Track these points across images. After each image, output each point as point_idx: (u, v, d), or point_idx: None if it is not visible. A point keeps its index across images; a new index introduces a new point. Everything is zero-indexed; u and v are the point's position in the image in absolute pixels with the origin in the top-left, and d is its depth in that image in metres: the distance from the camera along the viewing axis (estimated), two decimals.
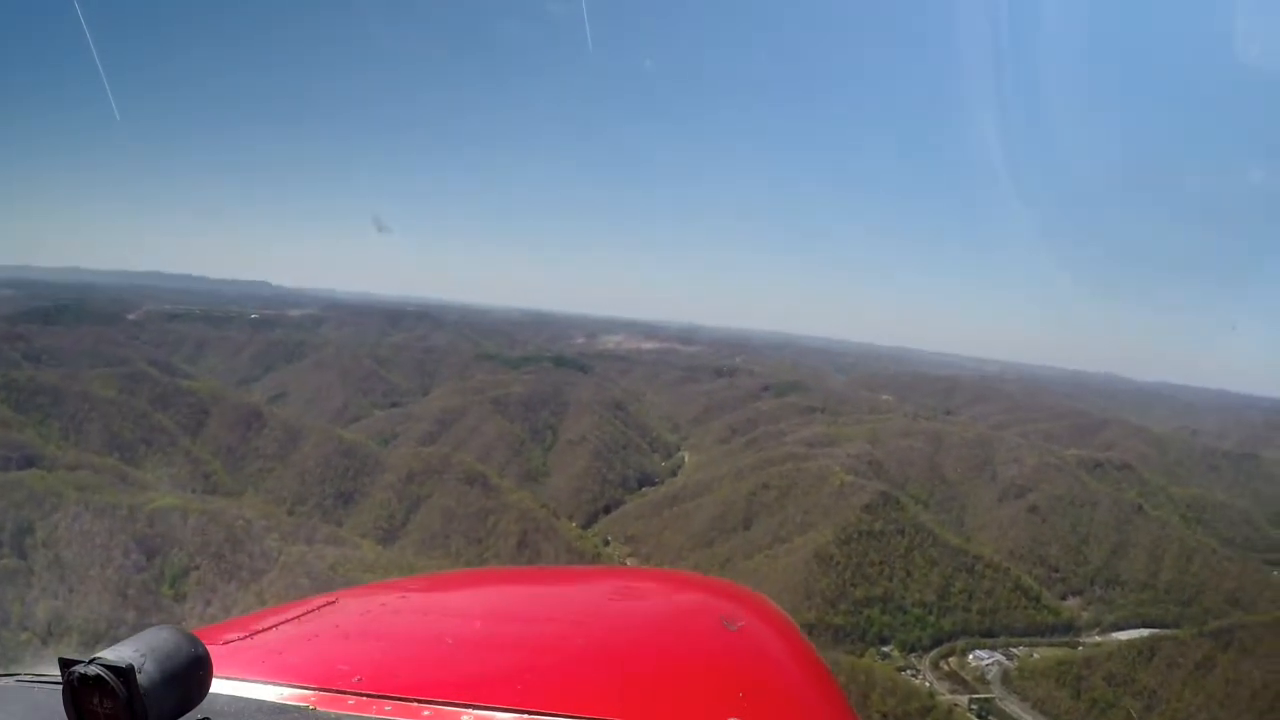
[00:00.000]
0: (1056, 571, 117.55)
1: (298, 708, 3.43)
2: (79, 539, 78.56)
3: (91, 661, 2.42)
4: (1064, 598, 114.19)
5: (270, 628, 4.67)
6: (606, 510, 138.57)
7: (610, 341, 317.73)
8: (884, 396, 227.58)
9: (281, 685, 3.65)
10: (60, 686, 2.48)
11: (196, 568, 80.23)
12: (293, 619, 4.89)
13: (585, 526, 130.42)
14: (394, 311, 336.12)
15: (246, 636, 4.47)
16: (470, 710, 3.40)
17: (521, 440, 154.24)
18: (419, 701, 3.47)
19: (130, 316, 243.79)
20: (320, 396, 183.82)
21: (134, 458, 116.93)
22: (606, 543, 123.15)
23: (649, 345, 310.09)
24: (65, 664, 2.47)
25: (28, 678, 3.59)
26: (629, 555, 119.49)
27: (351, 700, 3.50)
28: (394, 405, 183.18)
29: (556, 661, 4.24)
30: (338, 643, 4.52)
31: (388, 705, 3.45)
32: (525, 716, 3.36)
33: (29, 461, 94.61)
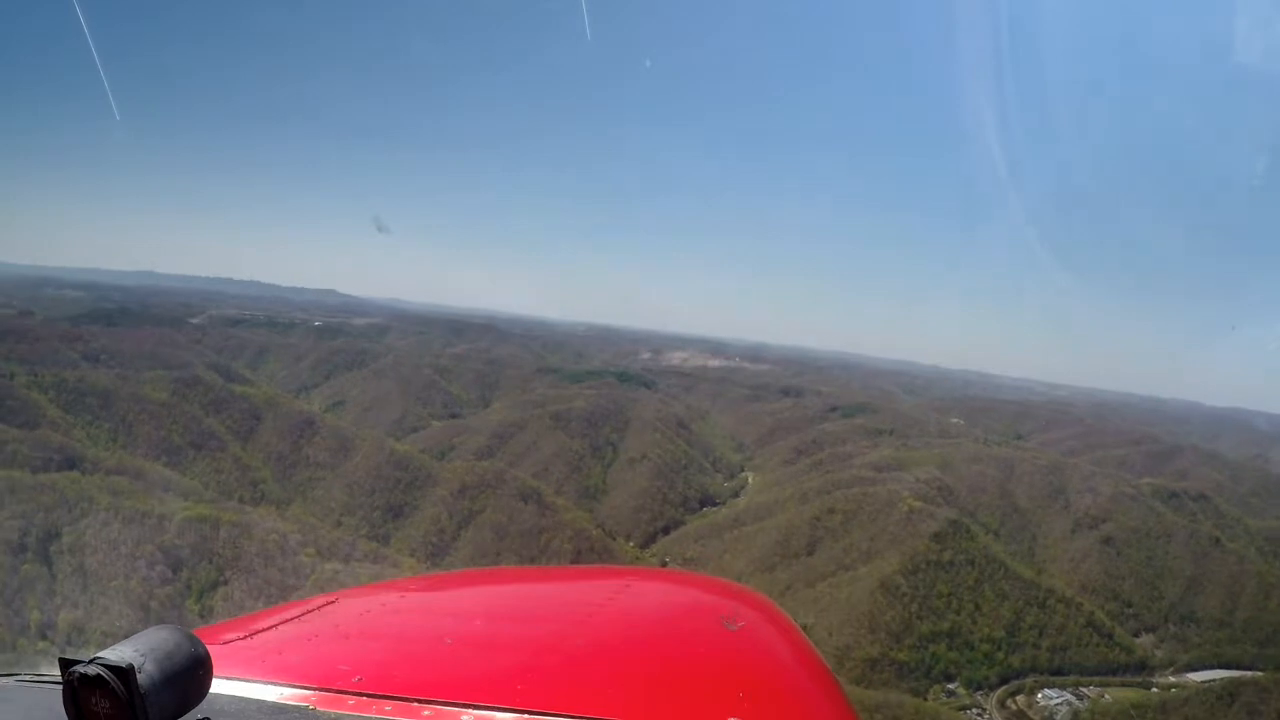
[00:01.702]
0: (1130, 607, 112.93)
1: (298, 708, 3.51)
2: (105, 547, 76.89)
3: (91, 661, 2.46)
4: (1137, 635, 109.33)
5: (270, 628, 4.74)
6: (666, 531, 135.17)
7: (676, 358, 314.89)
8: (954, 420, 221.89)
9: (281, 685, 3.73)
10: (60, 686, 2.51)
11: (225, 582, 78.37)
12: (293, 619, 4.98)
13: (643, 547, 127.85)
14: (459, 323, 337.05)
15: (246, 636, 4.54)
16: (470, 710, 3.49)
17: (581, 456, 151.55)
18: (419, 701, 3.54)
19: (194, 321, 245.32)
20: (378, 405, 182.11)
21: (181, 462, 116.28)
22: (664, 564, 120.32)
23: (715, 363, 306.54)
24: (65, 664, 2.52)
25: (28, 678, 3.70)
26: None
27: (351, 700, 3.58)
28: (453, 416, 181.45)
29: (556, 661, 4.28)
30: (338, 643, 4.59)
31: (388, 705, 3.53)
32: (525, 716, 3.47)
33: (70, 463, 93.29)
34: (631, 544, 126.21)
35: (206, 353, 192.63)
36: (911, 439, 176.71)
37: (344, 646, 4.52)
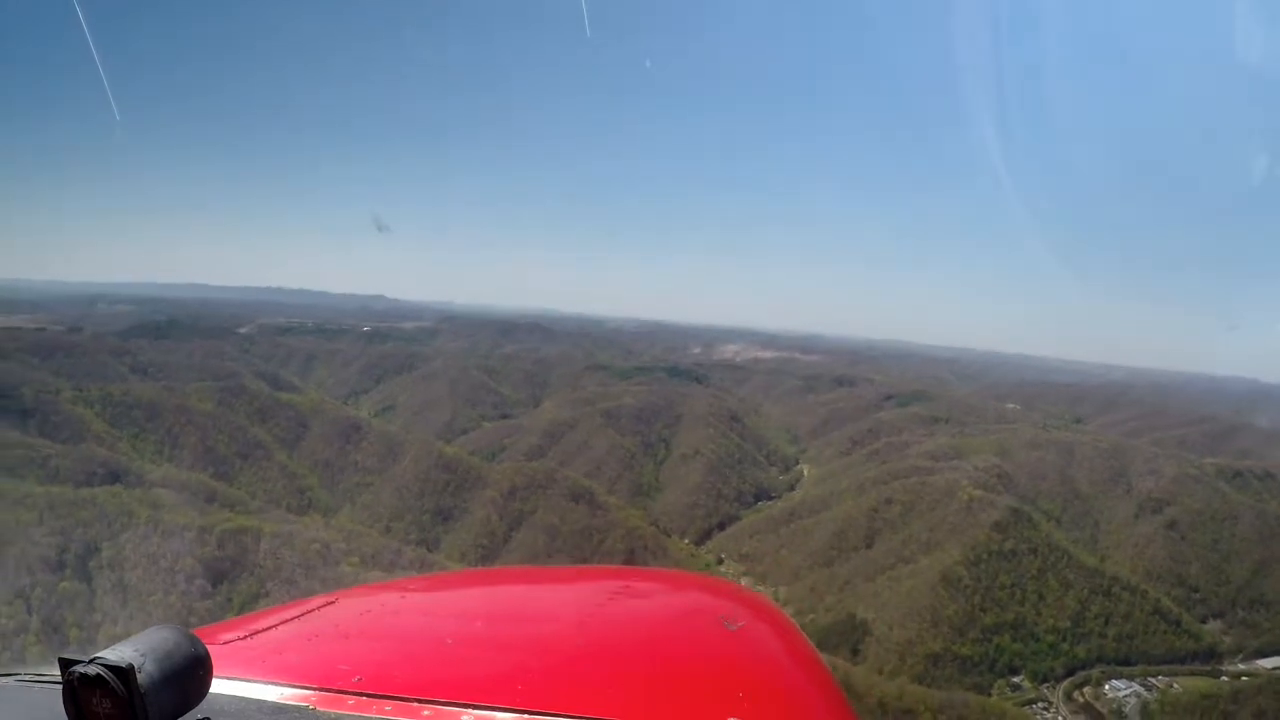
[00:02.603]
0: (1196, 592, 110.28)
1: (298, 708, 3.46)
2: (145, 561, 76.10)
3: (91, 661, 2.46)
4: (1204, 620, 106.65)
5: (270, 628, 4.67)
6: (721, 526, 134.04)
7: (727, 351, 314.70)
8: (1010, 405, 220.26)
9: (281, 685, 3.67)
10: (60, 686, 2.51)
11: (266, 594, 77.12)
12: (293, 619, 4.89)
13: (699, 543, 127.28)
14: (508, 323, 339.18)
15: (246, 636, 4.48)
16: (470, 710, 3.44)
17: (633, 453, 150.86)
18: (419, 701, 3.49)
19: (242, 330, 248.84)
20: (429, 408, 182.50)
21: (228, 472, 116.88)
22: (720, 561, 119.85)
23: (767, 354, 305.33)
24: (65, 664, 2.51)
25: (28, 677, 3.63)
26: (744, 574, 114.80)
27: (351, 700, 3.53)
28: (504, 417, 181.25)
29: (556, 661, 4.24)
30: (338, 643, 4.52)
31: (388, 705, 3.48)
32: (525, 716, 3.42)
33: (114, 477, 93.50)
34: (687, 541, 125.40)
35: (255, 362, 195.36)
36: (968, 426, 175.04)
37: (344, 646, 4.43)
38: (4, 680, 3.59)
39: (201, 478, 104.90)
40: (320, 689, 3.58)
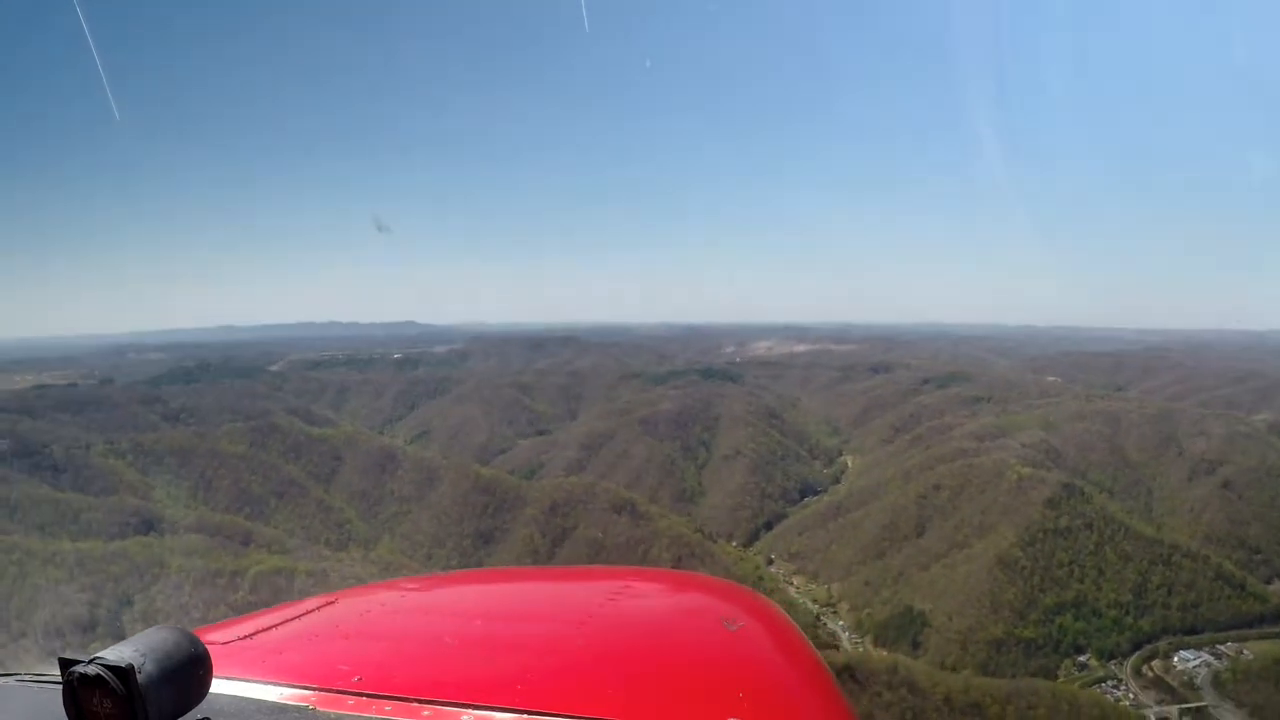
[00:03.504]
0: (1258, 553, 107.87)
1: (298, 708, 3.53)
2: (177, 612, 75.30)
3: (91, 661, 2.53)
4: (1269, 582, 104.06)
5: (270, 628, 4.76)
6: (768, 526, 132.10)
7: (760, 348, 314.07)
8: (1050, 378, 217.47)
9: (281, 685, 3.76)
10: (60, 686, 2.58)
11: None
12: (293, 619, 4.98)
13: (746, 545, 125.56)
14: (538, 338, 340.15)
15: (246, 636, 4.57)
16: (470, 710, 3.52)
17: (673, 459, 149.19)
18: (419, 701, 3.57)
19: (273, 368, 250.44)
20: (464, 431, 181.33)
21: (264, 512, 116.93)
22: (770, 561, 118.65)
23: (800, 348, 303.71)
24: (65, 664, 2.58)
25: (28, 678, 3.70)
26: (795, 573, 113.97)
27: (351, 700, 3.61)
28: (540, 433, 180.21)
29: (557, 661, 4.26)
30: (338, 643, 4.58)
31: (388, 705, 3.55)
32: (525, 716, 3.50)
33: (147, 526, 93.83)
34: (734, 544, 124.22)
35: (287, 398, 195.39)
36: (1010, 403, 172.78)
37: (344, 646, 4.48)
38: (4, 680, 3.63)
39: (236, 520, 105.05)
40: (320, 689, 3.62)
